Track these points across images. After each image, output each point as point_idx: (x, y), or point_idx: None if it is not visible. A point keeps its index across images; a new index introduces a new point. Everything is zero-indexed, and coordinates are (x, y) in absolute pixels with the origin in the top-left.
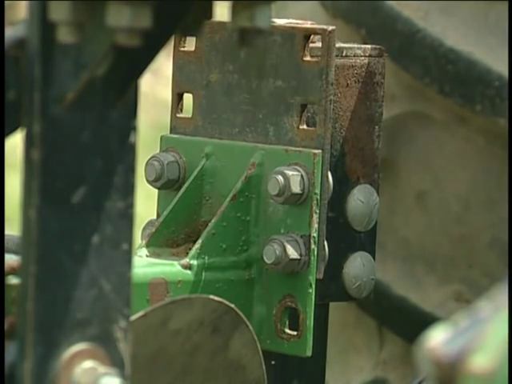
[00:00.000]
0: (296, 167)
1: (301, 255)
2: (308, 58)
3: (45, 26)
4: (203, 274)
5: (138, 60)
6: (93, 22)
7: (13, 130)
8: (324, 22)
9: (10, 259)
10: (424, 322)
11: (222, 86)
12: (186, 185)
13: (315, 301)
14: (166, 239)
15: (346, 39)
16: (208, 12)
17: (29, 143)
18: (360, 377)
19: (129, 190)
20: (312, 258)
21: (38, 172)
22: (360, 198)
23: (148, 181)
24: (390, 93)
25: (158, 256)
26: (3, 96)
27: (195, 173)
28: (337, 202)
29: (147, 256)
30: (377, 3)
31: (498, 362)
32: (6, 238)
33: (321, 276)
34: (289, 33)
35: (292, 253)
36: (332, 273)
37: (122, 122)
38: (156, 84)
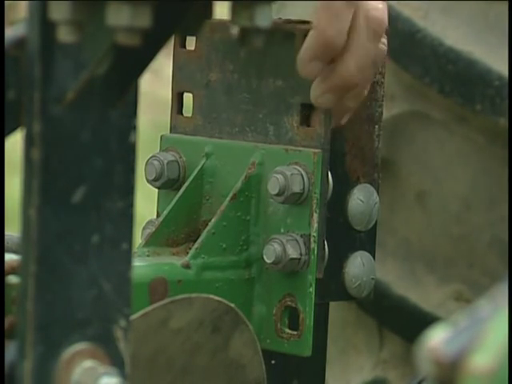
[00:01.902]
0: (296, 167)
1: (301, 254)
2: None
3: (45, 26)
4: (203, 273)
5: (137, 60)
6: (93, 21)
7: (13, 129)
8: None
9: (10, 259)
10: (424, 321)
11: (222, 86)
12: (185, 184)
13: (315, 300)
14: (166, 239)
15: None
16: (208, 12)
17: (29, 143)
18: (360, 376)
19: (129, 190)
20: (312, 257)
21: (38, 172)
22: (360, 198)
23: (148, 180)
24: (389, 92)
25: (158, 255)
26: (3, 96)
27: (195, 172)
28: (337, 202)
29: (147, 255)
30: None
31: (498, 362)
32: (5, 237)
33: (321, 275)
34: (289, 32)
35: (292, 252)
36: (332, 272)
37: (122, 122)
38: (156, 84)
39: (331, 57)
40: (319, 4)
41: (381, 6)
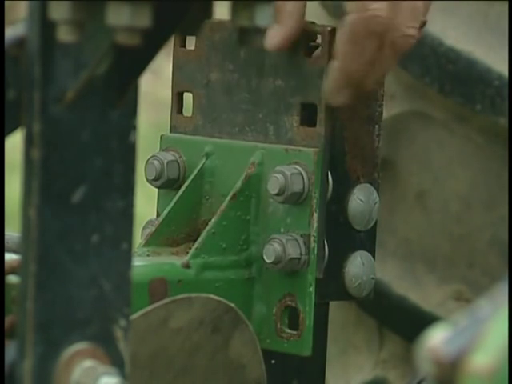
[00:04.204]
0: (296, 166)
1: (301, 254)
2: (308, 58)
3: (45, 26)
4: (203, 273)
5: (138, 59)
6: (93, 21)
7: (13, 129)
8: (324, 21)
9: (10, 259)
10: (424, 321)
11: (222, 85)
12: (185, 184)
13: (315, 300)
14: (165, 238)
15: None
16: (208, 11)
17: (29, 143)
18: (360, 376)
19: (129, 190)
20: (312, 257)
21: (38, 172)
22: (360, 198)
23: (148, 180)
24: (389, 92)
25: (158, 255)
26: (3, 96)
27: (195, 172)
28: (337, 202)
29: (147, 255)
30: None
31: (499, 361)
32: (6, 237)
33: (321, 275)
34: None
35: (292, 252)
36: (332, 272)
37: (122, 122)
38: (156, 84)
39: (358, 83)
40: (344, 36)
41: (411, 31)
